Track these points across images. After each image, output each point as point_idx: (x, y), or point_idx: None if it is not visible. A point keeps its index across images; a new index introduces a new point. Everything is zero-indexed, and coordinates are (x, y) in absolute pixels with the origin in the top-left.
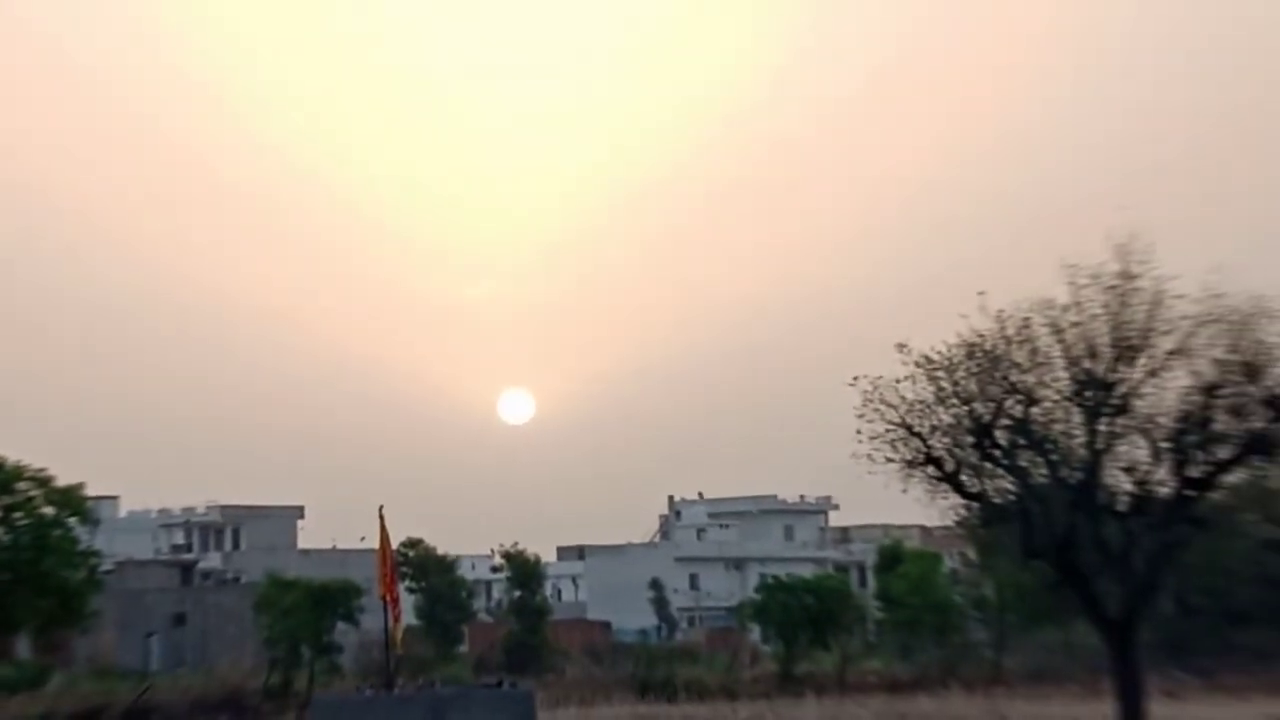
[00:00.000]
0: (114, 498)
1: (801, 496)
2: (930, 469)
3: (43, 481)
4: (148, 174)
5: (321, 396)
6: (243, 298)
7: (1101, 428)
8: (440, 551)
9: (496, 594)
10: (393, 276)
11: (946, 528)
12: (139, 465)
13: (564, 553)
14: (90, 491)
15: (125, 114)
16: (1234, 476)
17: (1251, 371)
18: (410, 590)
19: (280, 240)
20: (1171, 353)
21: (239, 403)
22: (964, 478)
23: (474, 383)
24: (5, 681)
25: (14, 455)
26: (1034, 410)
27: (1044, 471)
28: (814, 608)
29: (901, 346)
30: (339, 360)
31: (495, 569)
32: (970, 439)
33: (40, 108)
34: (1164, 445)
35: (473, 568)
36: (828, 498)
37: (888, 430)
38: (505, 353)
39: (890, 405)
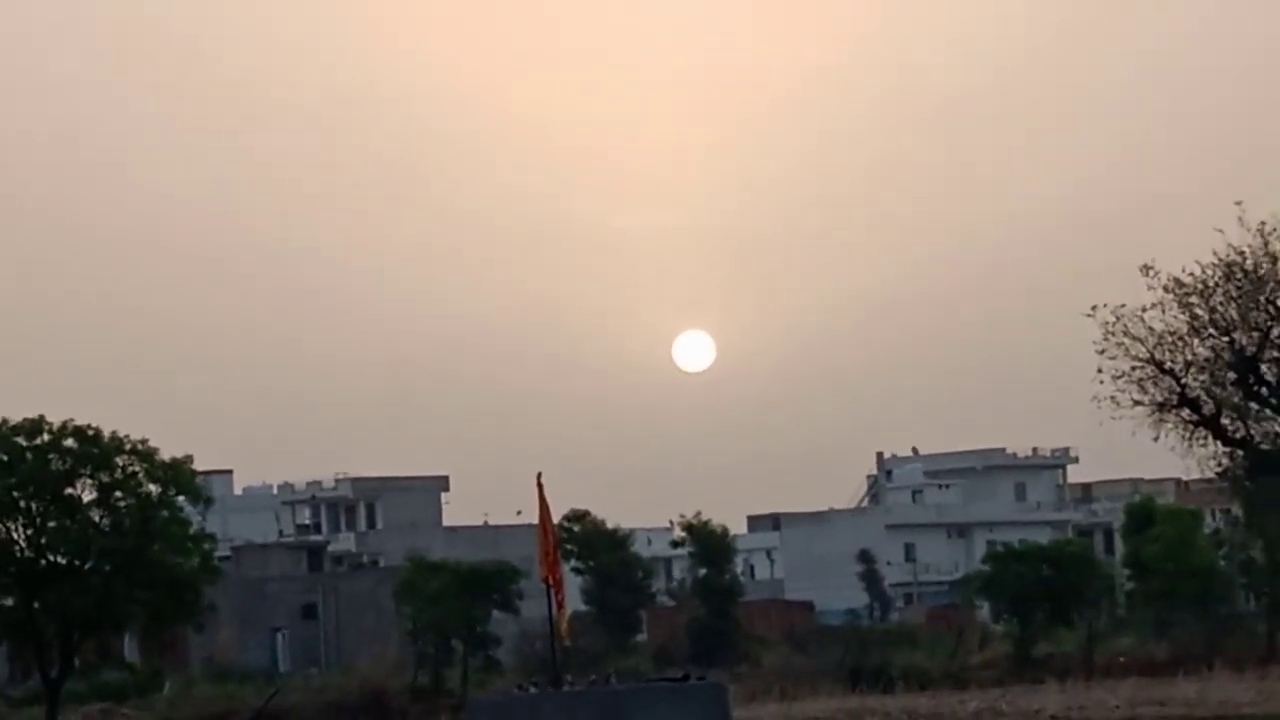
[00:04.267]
0: (228, 472)
1: (1034, 449)
2: (1185, 412)
3: (146, 455)
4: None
5: (465, 349)
6: (369, 237)
7: None
8: (610, 525)
9: (678, 573)
10: (543, 199)
11: (1206, 481)
12: (256, 434)
13: (756, 523)
14: (201, 465)
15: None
16: None
17: None
18: (577, 571)
19: (406, 171)
20: None
21: (369, 359)
22: (1225, 421)
23: (645, 324)
24: (112, 687)
25: (111, 424)
26: None
27: None
28: (1052, 579)
29: (1147, 269)
30: (484, 306)
31: (676, 544)
32: (1232, 375)
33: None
34: None
35: (649, 543)
36: (1065, 450)
37: (1134, 368)
38: (681, 287)
39: (1136, 338)
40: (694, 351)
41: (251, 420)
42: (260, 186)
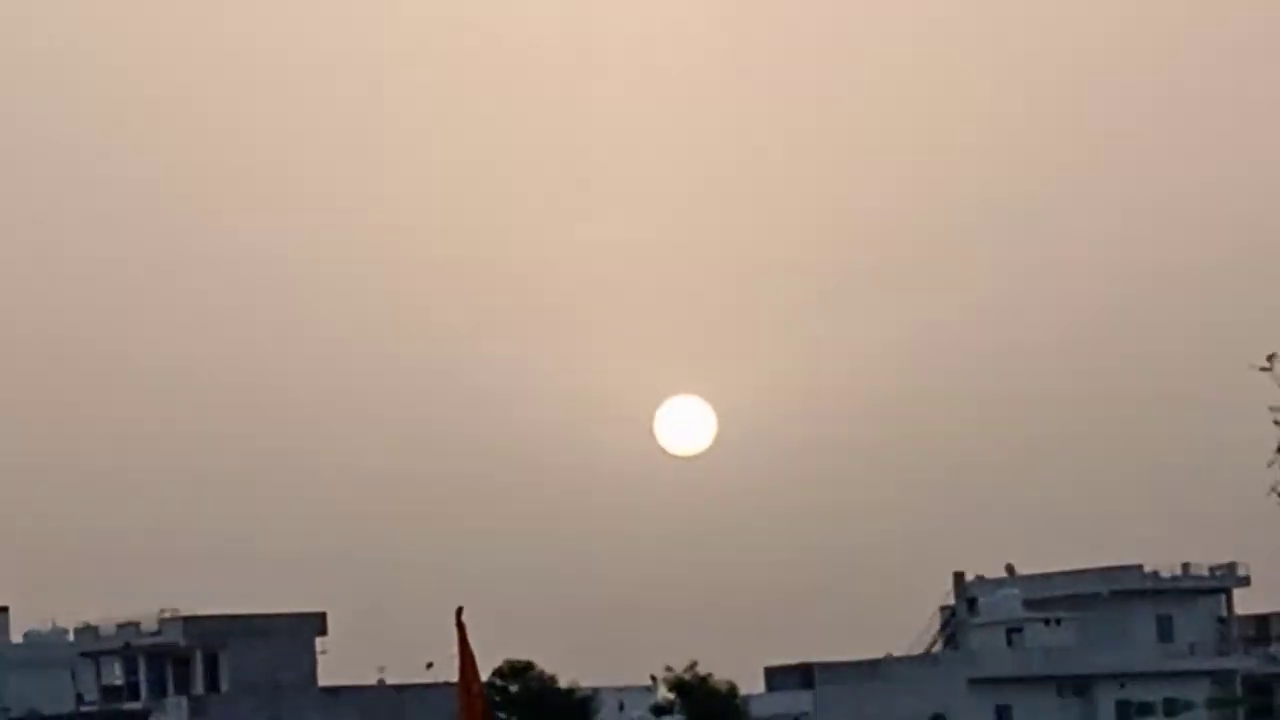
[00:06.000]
0: (2, 610)
1: (1185, 567)
2: None
3: None
4: None
5: (350, 425)
6: (219, 250)
7: None
8: (564, 683)
9: None
10: (462, 211)
11: None
12: (42, 557)
13: (779, 677)
14: None
15: None
16: None
17: None
18: None
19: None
20: None
21: (209, 441)
22: None
23: (614, 388)
24: None
25: None
26: None
27: None
28: None
29: None
30: (377, 361)
31: (661, 710)
32: None
33: None
34: None
35: (621, 709)
36: (1230, 567)
37: None
38: (666, 336)
39: None
40: (685, 425)
41: (36, 537)
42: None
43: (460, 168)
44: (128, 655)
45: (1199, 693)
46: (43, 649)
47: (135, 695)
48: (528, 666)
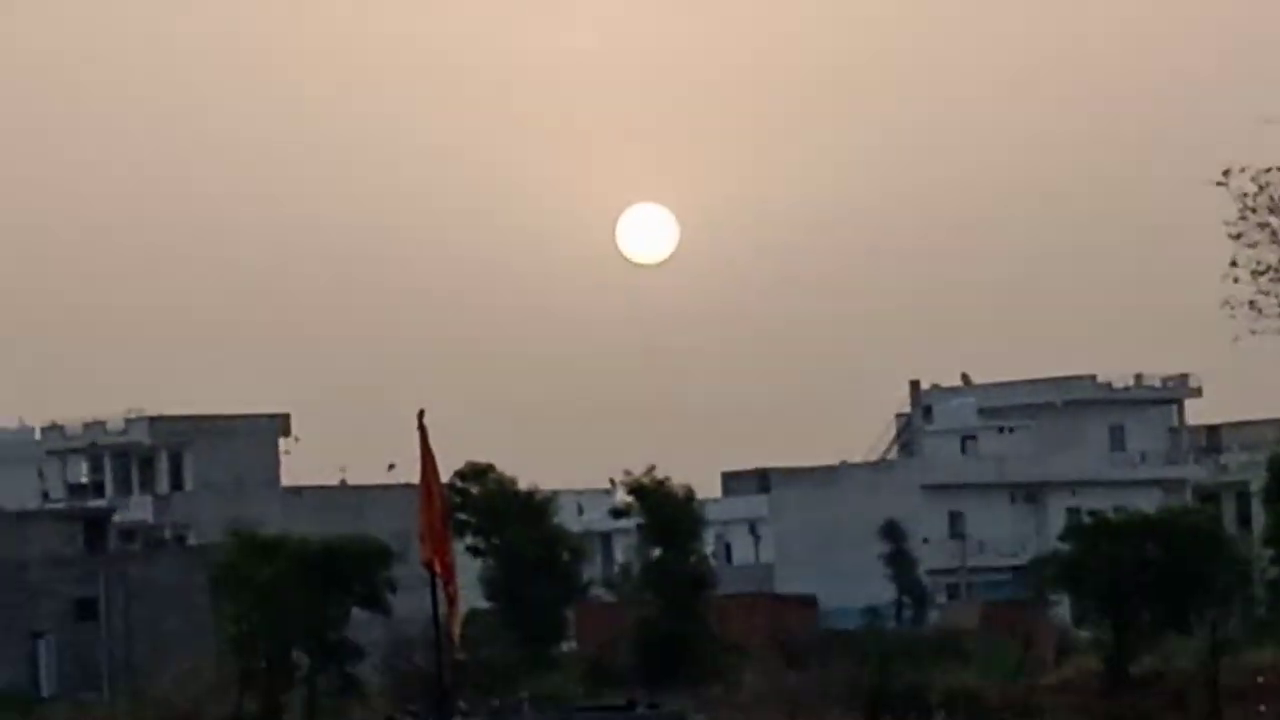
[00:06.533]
0: None
1: (1137, 378)
2: None
3: None
4: None
5: (313, 228)
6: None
7: None
8: (524, 485)
9: (621, 554)
10: (427, 24)
11: None
12: (8, 354)
13: (735, 482)
14: None
15: None
16: None
17: None
18: (474, 552)
19: None
20: None
21: (174, 244)
22: None
23: (576, 195)
24: None
25: None
26: None
27: None
28: (1162, 563)
29: None
30: (338, 168)
31: (618, 513)
32: None
33: None
34: None
35: (580, 512)
36: (1183, 378)
37: None
38: (629, 144)
39: None
40: (647, 233)
41: (1, 336)
42: None
43: None
44: (94, 454)
45: (1150, 501)
46: (9, 447)
47: (100, 493)
48: (488, 469)
